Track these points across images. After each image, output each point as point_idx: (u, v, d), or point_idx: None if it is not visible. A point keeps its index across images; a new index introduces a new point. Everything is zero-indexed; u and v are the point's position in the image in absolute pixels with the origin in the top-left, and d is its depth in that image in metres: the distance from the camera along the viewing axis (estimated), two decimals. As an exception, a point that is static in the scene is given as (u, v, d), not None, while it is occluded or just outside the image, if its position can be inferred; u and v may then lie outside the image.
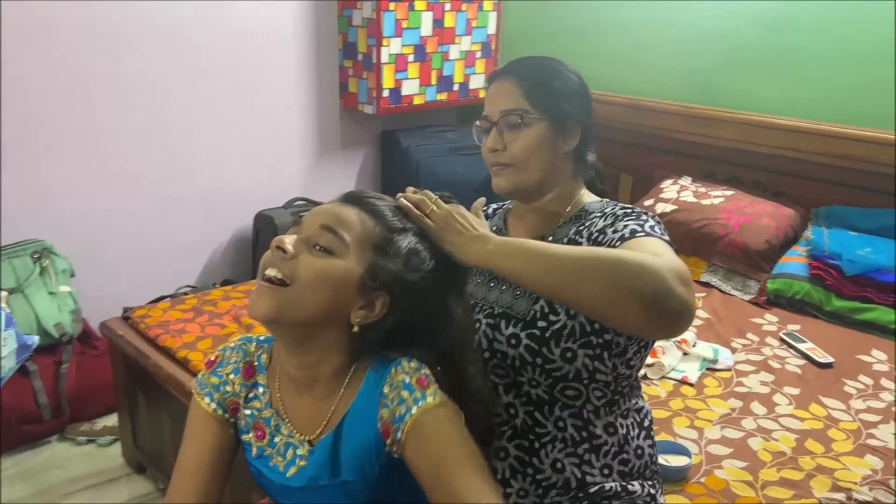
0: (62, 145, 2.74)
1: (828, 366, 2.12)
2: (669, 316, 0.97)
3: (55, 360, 2.56)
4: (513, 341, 1.22)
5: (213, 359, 1.12)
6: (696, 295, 2.51)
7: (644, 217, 1.20)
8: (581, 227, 1.25)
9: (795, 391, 1.99)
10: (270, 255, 1.00)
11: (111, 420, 2.60)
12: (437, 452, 0.94)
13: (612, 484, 1.25)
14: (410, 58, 3.28)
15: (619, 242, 1.14)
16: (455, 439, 0.95)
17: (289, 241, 0.99)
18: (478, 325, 1.26)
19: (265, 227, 3.17)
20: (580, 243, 1.23)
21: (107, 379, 2.58)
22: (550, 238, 1.28)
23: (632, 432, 1.29)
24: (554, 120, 1.26)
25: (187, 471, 1.07)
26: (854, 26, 2.59)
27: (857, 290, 2.38)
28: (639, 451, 1.29)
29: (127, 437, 2.40)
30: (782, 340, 2.27)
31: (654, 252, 1.05)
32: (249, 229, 3.25)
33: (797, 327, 2.35)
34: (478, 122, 1.32)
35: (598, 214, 1.26)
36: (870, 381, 2.05)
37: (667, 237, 1.16)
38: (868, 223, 2.53)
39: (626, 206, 1.26)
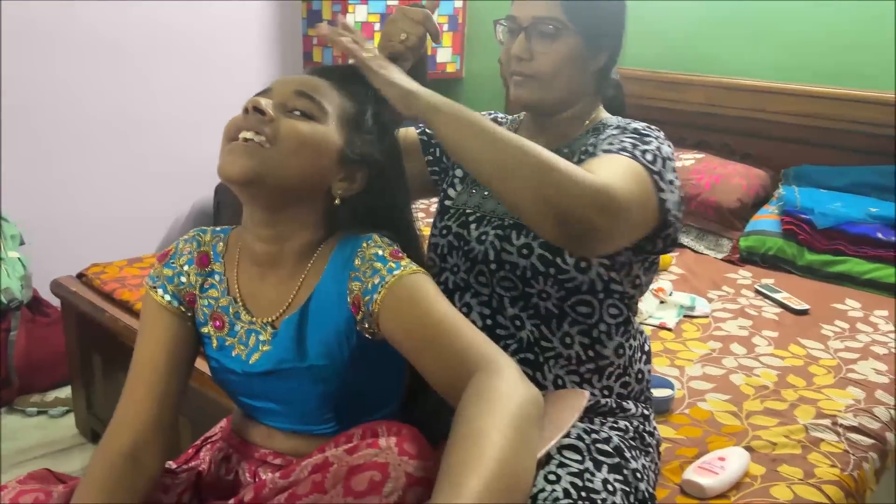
0: (14, 110, 2.61)
1: (804, 313, 2.11)
2: (576, 237, 0.96)
3: (3, 328, 2.42)
4: (524, 251, 1.15)
5: (165, 252, 1.05)
6: (670, 253, 2.50)
7: (650, 139, 1.10)
8: (597, 139, 1.17)
9: (774, 334, 1.97)
10: (241, 119, 0.92)
11: (63, 392, 2.47)
12: (419, 314, 0.86)
13: (608, 400, 1.20)
14: (376, 27, 3.22)
15: (600, 153, 1.08)
16: (438, 301, 0.88)
17: (265, 103, 0.92)
18: (485, 237, 1.20)
19: (226, 200, 3.07)
20: (590, 152, 1.15)
21: (59, 349, 2.45)
22: (566, 150, 1.20)
23: (636, 355, 1.24)
24: (587, 35, 1.15)
25: (143, 368, 0.99)
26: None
27: (828, 244, 2.38)
28: (639, 376, 1.25)
29: (80, 404, 2.28)
30: (758, 292, 2.26)
31: (612, 172, 0.99)
32: (210, 201, 3.14)
33: (771, 281, 2.34)
34: (503, 21, 1.22)
35: (615, 126, 1.17)
36: (846, 325, 2.04)
37: (657, 167, 1.06)
38: (836, 181, 2.53)
39: (645, 124, 1.17)
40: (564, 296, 1.16)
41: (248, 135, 0.90)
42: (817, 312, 2.12)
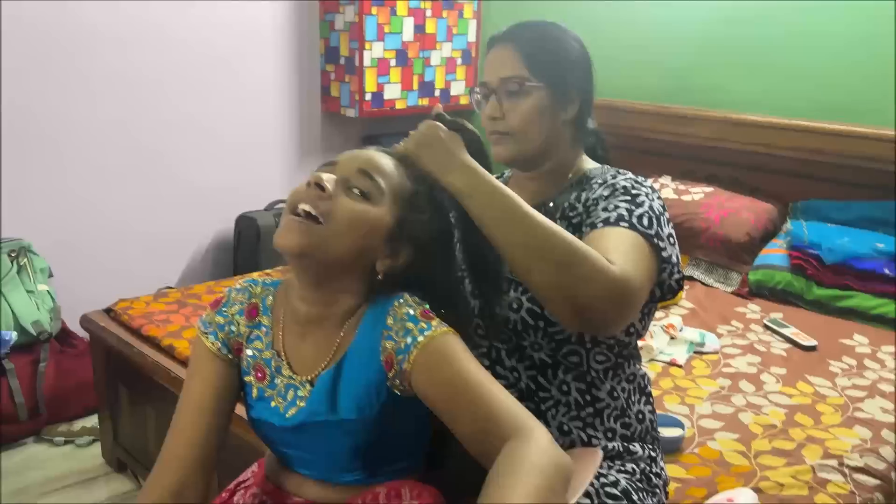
0: (44, 146, 2.71)
1: (812, 348, 2.15)
2: (591, 324, 1.05)
3: (33, 359, 2.50)
4: (514, 305, 1.21)
5: (218, 299, 1.11)
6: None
7: (642, 198, 1.17)
8: (581, 193, 1.25)
9: (782, 371, 2.01)
10: (304, 191, 0.99)
11: (90, 422, 2.54)
12: (451, 375, 0.92)
13: (615, 444, 1.25)
14: (392, 62, 3.31)
15: (600, 225, 1.14)
16: (469, 362, 0.94)
17: (327, 179, 0.99)
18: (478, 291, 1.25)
19: (247, 229, 3.15)
20: (577, 209, 1.23)
21: (86, 379, 2.53)
22: (552, 204, 1.27)
23: (633, 397, 1.29)
24: (554, 87, 1.24)
25: (191, 408, 1.05)
26: (823, 20, 2.68)
27: (836, 279, 2.43)
28: (640, 416, 1.30)
29: (107, 435, 2.34)
30: (766, 327, 2.30)
31: (622, 254, 1.06)
32: (230, 232, 3.22)
33: (780, 315, 2.38)
34: (477, 89, 1.31)
35: (599, 181, 1.24)
36: (853, 362, 2.09)
37: (654, 230, 1.13)
38: (843, 215, 2.58)
39: (629, 176, 1.23)
40: (555, 347, 1.22)
41: (307, 207, 0.97)
42: (825, 348, 2.16)
